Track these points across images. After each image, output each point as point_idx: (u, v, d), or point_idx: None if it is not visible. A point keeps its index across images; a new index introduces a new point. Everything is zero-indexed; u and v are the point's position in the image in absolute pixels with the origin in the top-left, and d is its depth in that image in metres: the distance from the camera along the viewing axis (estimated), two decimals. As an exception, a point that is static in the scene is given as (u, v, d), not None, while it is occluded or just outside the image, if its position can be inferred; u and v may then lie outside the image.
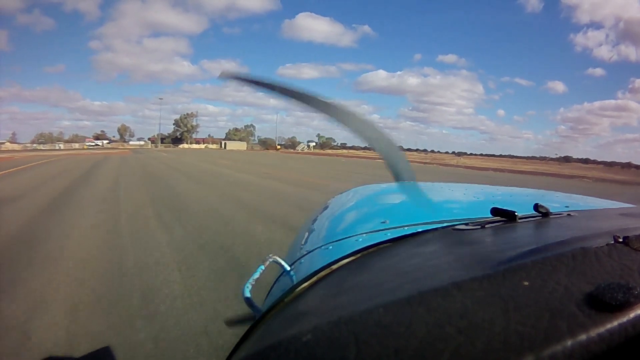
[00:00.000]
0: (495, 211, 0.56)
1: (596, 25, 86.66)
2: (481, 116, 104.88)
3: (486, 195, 1.14)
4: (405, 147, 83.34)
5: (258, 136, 78.47)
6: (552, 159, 70.43)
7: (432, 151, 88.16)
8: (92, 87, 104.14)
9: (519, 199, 1.06)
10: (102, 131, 70.40)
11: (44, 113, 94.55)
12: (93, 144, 57.85)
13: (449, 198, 1.10)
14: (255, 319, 0.41)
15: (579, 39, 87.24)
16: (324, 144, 77.05)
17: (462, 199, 1.10)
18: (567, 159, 70.42)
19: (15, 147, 48.43)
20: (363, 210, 1.00)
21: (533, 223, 0.54)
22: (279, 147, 70.60)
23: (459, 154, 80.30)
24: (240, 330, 0.41)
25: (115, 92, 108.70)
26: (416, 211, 0.80)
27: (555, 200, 1.00)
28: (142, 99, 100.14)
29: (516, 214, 0.54)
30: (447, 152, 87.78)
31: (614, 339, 0.21)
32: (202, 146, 68.82)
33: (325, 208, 1.05)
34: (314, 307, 0.36)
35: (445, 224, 0.59)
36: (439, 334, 0.23)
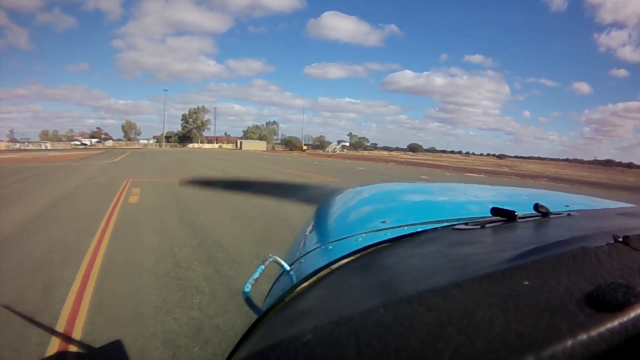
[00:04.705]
0: (495, 211, 0.55)
1: (619, 25, 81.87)
2: (507, 117, 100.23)
3: (486, 195, 1.13)
4: (438, 148, 75.07)
5: (282, 135, 69.06)
6: (589, 162, 63.22)
7: (467, 153, 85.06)
8: (116, 86, 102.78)
9: (519, 198, 1.05)
10: (98, 128, 65.93)
11: (68, 111, 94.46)
12: (79, 142, 52.02)
13: (449, 198, 1.09)
14: (256, 318, 0.41)
15: (603, 39, 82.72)
16: (357, 144, 65.38)
17: (462, 199, 1.07)
18: (608, 163, 61.95)
19: (1, 146, 43.44)
20: (363, 210, 0.97)
21: (533, 223, 0.54)
22: (305, 147, 60.04)
23: (500, 157, 74.37)
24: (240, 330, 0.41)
25: (140, 90, 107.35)
26: (416, 211, 0.82)
27: (555, 200, 0.97)
28: (168, 98, 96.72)
29: (516, 213, 0.54)
30: (481, 154, 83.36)
31: (615, 338, 0.21)
32: (216, 146, 60.97)
33: (325, 208, 1.03)
34: (314, 307, 0.36)
35: (445, 224, 0.58)
36: (439, 334, 0.22)
